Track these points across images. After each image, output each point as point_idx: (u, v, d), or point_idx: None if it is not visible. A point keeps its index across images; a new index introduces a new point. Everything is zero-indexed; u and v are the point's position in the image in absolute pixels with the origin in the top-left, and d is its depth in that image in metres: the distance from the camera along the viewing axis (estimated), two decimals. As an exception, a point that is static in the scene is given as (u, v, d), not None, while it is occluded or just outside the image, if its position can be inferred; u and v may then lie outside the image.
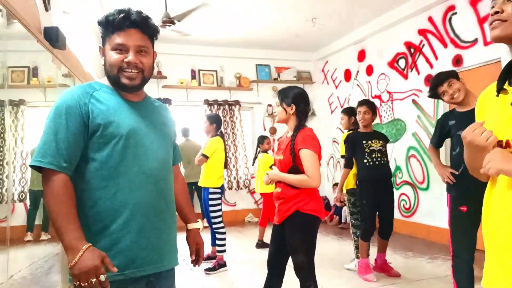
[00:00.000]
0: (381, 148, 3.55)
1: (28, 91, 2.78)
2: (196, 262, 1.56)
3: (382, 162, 3.53)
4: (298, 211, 2.20)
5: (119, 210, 1.23)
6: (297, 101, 2.32)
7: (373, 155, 3.51)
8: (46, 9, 2.64)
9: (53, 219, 1.14)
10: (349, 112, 4.07)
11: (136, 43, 1.27)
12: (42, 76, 2.81)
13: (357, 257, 3.76)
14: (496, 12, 1.05)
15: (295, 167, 2.23)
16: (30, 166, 1.18)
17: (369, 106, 3.61)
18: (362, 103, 3.66)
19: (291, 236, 2.25)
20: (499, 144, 1.05)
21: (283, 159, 2.30)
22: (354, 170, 3.79)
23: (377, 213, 3.62)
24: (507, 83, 1.09)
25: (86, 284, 1.10)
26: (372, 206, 3.54)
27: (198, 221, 1.58)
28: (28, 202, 2.73)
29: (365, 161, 3.53)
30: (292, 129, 2.35)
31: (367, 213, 3.57)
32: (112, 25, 1.25)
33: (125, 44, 1.26)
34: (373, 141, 3.54)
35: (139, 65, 1.28)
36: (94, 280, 1.10)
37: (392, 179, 3.72)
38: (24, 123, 2.63)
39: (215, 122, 4.16)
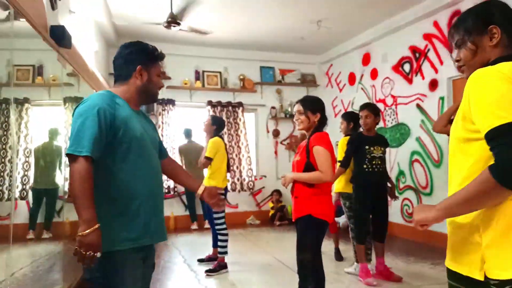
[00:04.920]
0: (381, 155, 3.60)
1: (33, 89, 2.78)
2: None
3: (380, 169, 3.59)
4: (310, 216, 2.41)
5: (136, 195, 1.55)
6: (321, 109, 2.57)
7: (373, 162, 3.55)
8: (53, 8, 2.65)
9: (77, 196, 1.40)
10: (349, 117, 4.07)
11: None
12: (47, 74, 2.82)
13: (357, 261, 3.76)
14: (457, 60, 1.27)
15: (309, 163, 2.44)
16: (68, 154, 1.43)
17: (371, 109, 3.62)
18: (363, 107, 3.68)
19: (302, 235, 2.48)
20: None
21: (299, 159, 2.52)
22: (347, 175, 3.83)
23: (371, 216, 3.66)
24: None
25: (86, 254, 1.37)
26: (366, 210, 3.59)
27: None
28: (30, 200, 2.73)
29: (365, 166, 3.56)
30: (309, 133, 2.57)
31: (361, 217, 3.62)
32: (161, 58, 1.72)
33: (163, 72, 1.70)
34: (375, 147, 3.58)
35: None
36: (92, 253, 1.38)
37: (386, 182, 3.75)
38: (28, 121, 2.63)
39: (216, 124, 4.15)
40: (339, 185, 3.97)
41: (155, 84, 1.69)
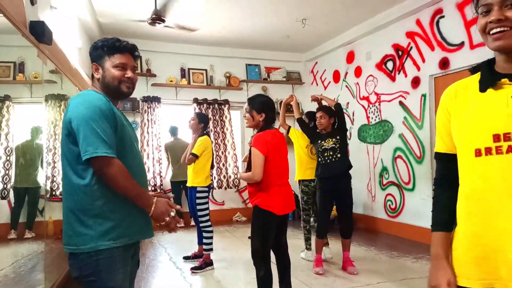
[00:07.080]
0: (333, 145, 3.77)
1: (14, 86, 2.74)
2: None
3: (333, 159, 3.75)
4: (257, 206, 2.55)
5: None
6: (266, 109, 2.64)
7: (325, 154, 3.76)
8: (32, 3, 2.61)
9: (128, 190, 1.48)
10: (310, 116, 4.26)
11: (132, 64, 1.66)
12: (28, 71, 2.78)
13: (307, 249, 4.19)
14: (499, 20, 0.96)
15: (250, 163, 2.58)
16: (90, 158, 1.42)
17: (325, 111, 3.87)
18: (318, 109, 3.96)
19: (251, 225, 2.62)
20: (496, 137, 0.99)
21: (247, 157, 2.69)
22: (308, 164, 4.17)
23: (337, 211, 3.90)
24: (507, 79, 1.01)
25: (164, 221, 1.53)
26: (326, 204, 3.79)
27: None
28: (12, 199, 2.69)
29: (319, 159, 3.82)
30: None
31: (321, 211, 3.81)
32: (117, 48, 1.61)
33: (126, 63, 1.63)
34: (326, 140, 3.80)
35: (134, 80, 1.67)
36: (168, 218, 1.54)
37: (349, 173, 3.85)
38: (9, 119, 2.60)
39: (203, 121, 4.16)
40: (299, 174, 4.25)
41: (112, 77, 1.60)
